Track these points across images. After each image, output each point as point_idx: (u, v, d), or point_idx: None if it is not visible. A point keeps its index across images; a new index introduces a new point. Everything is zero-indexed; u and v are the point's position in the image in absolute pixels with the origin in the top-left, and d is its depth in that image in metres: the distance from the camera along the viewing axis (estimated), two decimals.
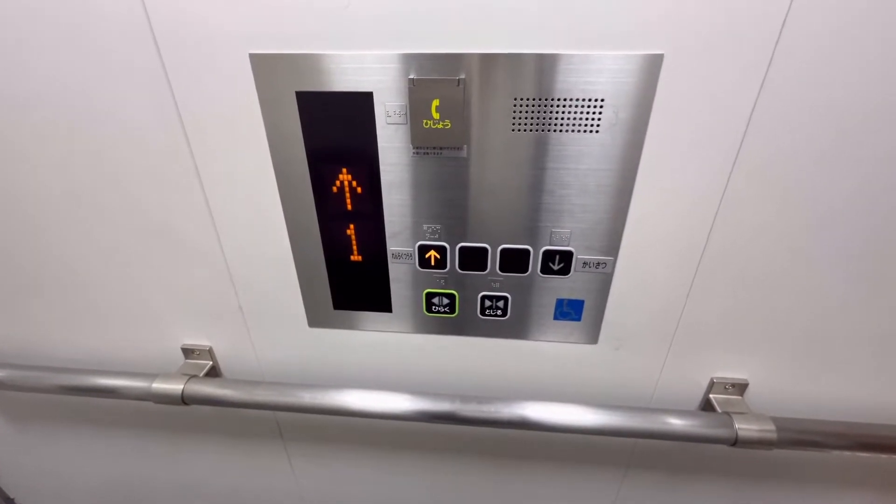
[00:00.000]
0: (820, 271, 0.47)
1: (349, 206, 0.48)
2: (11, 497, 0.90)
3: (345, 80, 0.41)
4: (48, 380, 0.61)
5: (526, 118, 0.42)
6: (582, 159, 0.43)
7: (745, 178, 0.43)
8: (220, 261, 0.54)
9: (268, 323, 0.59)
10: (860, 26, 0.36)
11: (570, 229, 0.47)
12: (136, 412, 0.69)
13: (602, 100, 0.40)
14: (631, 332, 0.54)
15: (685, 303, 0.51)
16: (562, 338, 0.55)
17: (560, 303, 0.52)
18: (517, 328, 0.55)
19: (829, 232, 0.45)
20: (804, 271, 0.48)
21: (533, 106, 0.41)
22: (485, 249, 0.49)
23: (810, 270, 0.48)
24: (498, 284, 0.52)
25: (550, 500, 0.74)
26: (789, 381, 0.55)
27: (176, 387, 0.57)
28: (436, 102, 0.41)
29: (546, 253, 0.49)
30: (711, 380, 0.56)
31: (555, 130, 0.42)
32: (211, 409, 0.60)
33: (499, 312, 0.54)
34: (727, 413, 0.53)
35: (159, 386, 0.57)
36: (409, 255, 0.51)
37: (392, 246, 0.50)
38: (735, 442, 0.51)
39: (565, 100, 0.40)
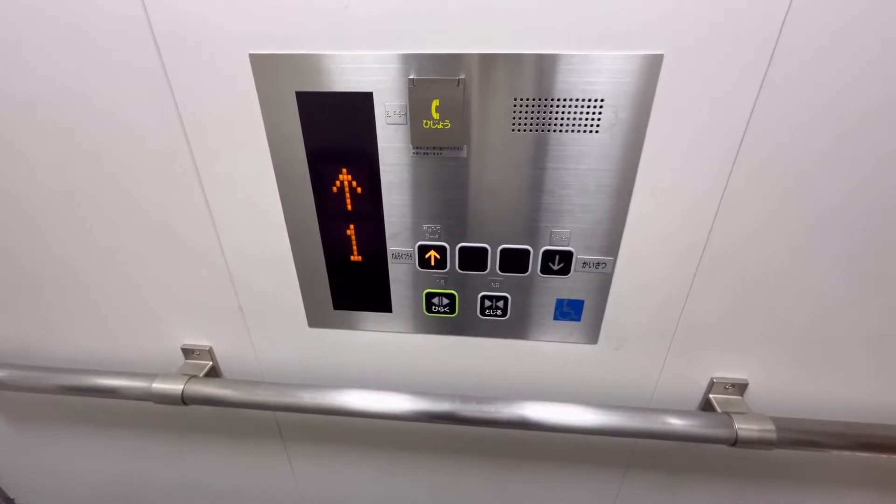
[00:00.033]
0: (820, 271, 0.47)
1: (349, 207, 0.48)
2: (11, 497, 0.90)
3: (345, 80, 0.41)
4: (48, 380, 0.61)
5: (526, 118, 0.42)
6: (582, 159, 0.43)
7: (744, 178, 0.43)
8: (220, 261, 0.54)
9: (268, 323, 0.59)
10: (860, 26, 0.36)
11: (569, 229, 0.47)
12: (136, 412, 0.69)
13: (602, 100, 0.40)
14: (631, 332, 0.54)
15: (685, 303, 0.51)
16: (562, 338, 0.55)
17: (560, 303, 0.52)
18: (517, 328, 0.55)
19: (829, 232, 0.45)
20: (804, 271, 0.48)
21: (533, 106, 0.41)
22: (485, 249, 0.49)
23: (810, 270, 0.48)
24: (498, 284, 0.52)
25: (550, 500, 0.74)
26: (789, 381, 0.55)
27: (176, 387, 0.57)
28: (436, 102, 0.41)
29: (546, 253, 0.49)
30: (711, 380, 0.56)
31: (555, 130, 0.42)
32: (211, 410, 0.60)
33: (499, 312, 0.54)
34: (727, 413, 0.53)
35: (159, 386, 0.57)
36: (409, 256, 0.51)
37: (392, 246, 0.50)
38: (735, 442, 0.51)
39: (565, 100, 0.40)
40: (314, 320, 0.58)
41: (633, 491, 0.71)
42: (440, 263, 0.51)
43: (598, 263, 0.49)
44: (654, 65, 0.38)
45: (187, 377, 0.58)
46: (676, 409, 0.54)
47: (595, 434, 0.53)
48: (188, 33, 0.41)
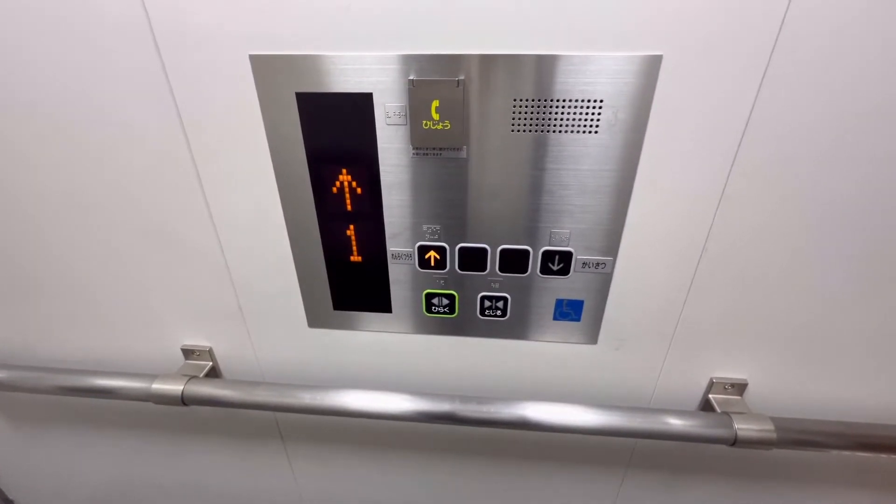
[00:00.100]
0: (819, 271, 0.48)
1: (349, 207, 0.48)
2: (11, 498, 0.90)
3: (345, 80, 0.42)
4: (48, 380, 0.61)
5: (525, 119, 0.42)
6: (581, 160, 0.43)
7: (744, 178, 0.43)
8: (220, 261, 0.54)
9: (268, 323, 0.59)
10: (859, 26, 0.36)
11: (569, 230, 0.47)
12: (136, 413, 0.69)
13: (601, 100, 0.40)
14: (630, 332, 0.54)
15: (684, 303, 0.51)
16: (561, 338, 0.55)
17: (559, 303, 0.52)
18: (517, 328, 0.55)
19: (829, 232, 0.45)
20: (804, 271, 0.48)
21: (532, 107, 0.41)
22: (484, 250, 0.49)
23: (810, 270, 0.48)
24: (497, 285, 0.52)
25: (550, 500, 0.74)
26: (788, 381, 0.55)
27: (176, 387, 0.57)
28: (435, 103, 0.41)
29: (545, 253, 0.49)
30: (711, 380, 0.56)
31: (554, 131, 0.42)
32: (211, 410, 0.60)
33: (498, 313, 0.54)
34: (726, 413, 0.53)
35: (159, 387, 0.57)
36: (409, 256, 0.51)
37: (392, 246, 0.50)
38: (734, 442, 0.51)
39: (564, 101, 0.40)
40: (314, 321, 0.58)
41: (633, 491, 0.71)
42: (440, 264, 0.51)
43: (598, 264, 0.49)
44: (653, 65, 0.39)
45: (187, 378, 0.58)
46: (676, 409, 0.54)
47: (595, 434, 0.53)
48: (188, 34, 0.41)
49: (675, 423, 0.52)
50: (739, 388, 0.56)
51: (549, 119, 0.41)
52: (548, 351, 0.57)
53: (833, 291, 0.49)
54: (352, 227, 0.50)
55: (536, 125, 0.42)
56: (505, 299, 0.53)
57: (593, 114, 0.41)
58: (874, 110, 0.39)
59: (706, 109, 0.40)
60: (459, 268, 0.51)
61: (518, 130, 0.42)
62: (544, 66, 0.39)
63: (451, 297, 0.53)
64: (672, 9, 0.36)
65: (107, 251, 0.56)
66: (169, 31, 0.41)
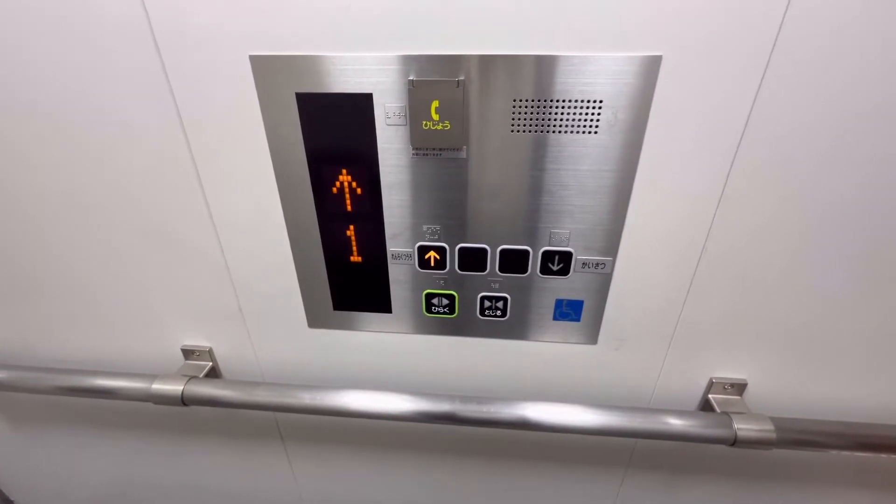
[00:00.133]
0: (819, 271, 0.48)
1: (349, 207, 0.48)
2: (12, 499, 0.90)
3: (345, 81, 0.42)
4: (48, 381, 0.61)
5: (525, 119, 0.42)
6: (581, 160, 0.43)
7: (743, 179, 0.43)
8: (220, 262, 0.54)
9: (268, 324, 0.59)
10: (858, 26, 0.36)
11: (569, 230, 0.47)
12: (136, 413, 0.69)
13: (601, 101, 0.40)
14: (630, 332, 0.54)
15: (684, 303, 0.51)
16: (561, 338, 0.55)
17: (559, 303, 0.52)
18: (517, 329, 0.55)
19: (828, 232, 0.45)
20: (803, 271, 0.48)
21: (532, 107, 0.41)
22: (484, 250, 0.49)
23: (809, 270, 0.48)
24: (497, 285, 0.52)
25: (550, 500, 0.74)
26: (788, 381, 0.55)
27: (176, 388, 0.57)
28: (435, 104, 0.41)
29: (545, 253, 0.49)
30: (710, 380, 0.56)
31: (554, 131, 0.42)
32: (211, 410, 0.60)
33: (498, 313, 0.54)
34: (726, 413, 0.53)
35: (159, 387, 0.57)
36: (409, 256, 0.51)
37: (392, 247, 0.50)
38: (734, 442, 0.51)
39: (564, 101, 0.41)
40: (314, 321, 0.58)
41: (632, 491, 0.71)
42: (440, 264, 0.51)
43: (598, 264, 0.49)
44: (652, 66, 0.39)
45: (187, 378, 0.58)
46: (676, 410, 0.54)
47: (594, 434, 0.53)
48: (188, 34, 0.41)
49: (675, 423, 0.52)
50: (739, 388, 0.56)
51: (549, 119, 0.41)
52: (547, 351, 0.57)
53: (832, 292, 0.49)
54: (352, 227, 0.50)
55: (536, 125, 0.42)
56: (505, 299, 0.53)
57: (593, 114, 0.41)
58: (874, 110, 0.39)
59: (706, 110, 0.40)
60: (459, 268, 0.51)
61: (518, 131, 0.42)
62: (544, 67, 0.39)
63: (450, 298, 0.53)
64: (671, 9, 0.37)
65: (107, 251, 0.56)
66: (169, 31, 0.41)
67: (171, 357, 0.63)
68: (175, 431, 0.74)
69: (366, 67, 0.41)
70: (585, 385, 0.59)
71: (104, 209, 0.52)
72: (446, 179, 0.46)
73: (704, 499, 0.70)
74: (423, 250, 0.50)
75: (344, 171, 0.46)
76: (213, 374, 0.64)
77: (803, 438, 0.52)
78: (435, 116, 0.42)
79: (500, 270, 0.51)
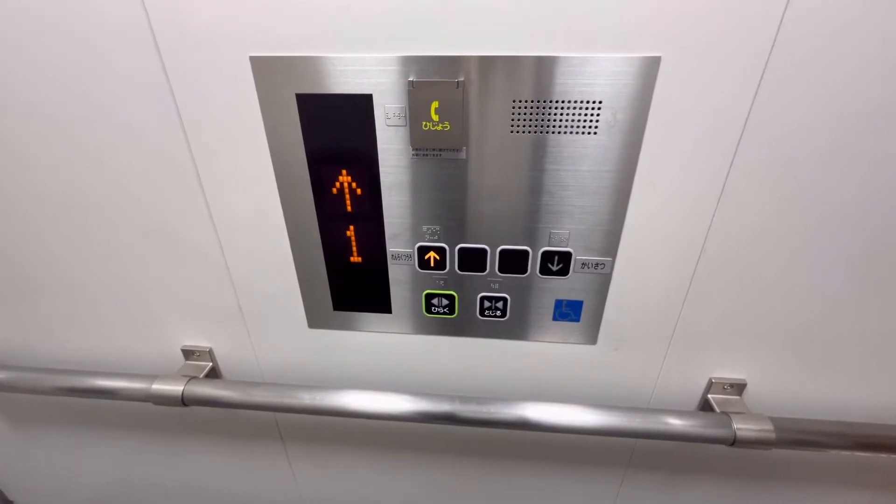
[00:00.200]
0: (818, 272, 0.48)
1: (349, 208, 0.48)
2: (11, 500, 0.90)
3: (344, 82, 0.42)
4: (48, 381, 0.61)
5: (524, 120, 0.42)
6: (580, 161, 0.43)
7: (742, 179, 0.43)
8: (220, 262, 0.54)
9: (268, 324, 0.59)
10: (858, 27, 0.36)
11: (568, 230, 0.47)
12: (137, 413, 0.69)
13: (600, 102, 0.40)
14: (630, 332, 0.54)
15: (683, 303, 0.51)
16: (561, 338, 0.55)
17: (559, 303, 0.52)
18: (516, 329, 0.55)
19: (828, 232, 0.45)
20: (802, 271, 0.48)
21: (531, 108, 0.41)
22: (484, 250, 0.50)
23: (808, 271, 0.48)
24: (497, 285, 0.52)
25: (550, 500, 0.74)
26: (787, 381, 0.55)
27: (176, 388, 0.57)
28: (435, 104, 0.41)
29: (545, 254, 0.49)
30: (710, 380, 0.56)
31: (553, 132, 0.42)
32: (211, 411, 0.60)
33: (498, 313, 0.54)
34: (725, 413, 0.53)
35: (159, 387, 0.57)
36: (409, 257, 0.51)
37: (392, 247, 0.50)
38: (734, 442, 0.51)
39: (563, 102, 0.41)
40: (314, 321, 0.58)
41: (632, 491, 0.71)
42: (440, 264, 0.51)
43: (597, 264, 0.49)
44: (651, 67, 0.39)
45: (187, 378, 0.58)
46: (675, 410, 0.54)
47: (594, 434, 0.53)
48: (188, 34, 0.41)
49: (675, 423, 0.52)
50: (738, 388, 0.56)
51: (549, 120, 0.42)
52: (547, 351, 0.57)
53: (832, 292, 0.49)
54: (352, 227, 0.50)
55: (536, 126, 0.42)
56: (504, 300, 0.53)
57: (592, 115, 0.41)
58: (873, 110, 0.39)
59: (705, 110, 0.40)
60: (459, 268, 0.51)
61: (517, 131, 0.42)
62: (543, 68, 0.39)
63: (450, 298, 0.53)
64: (670, 10, 0.37)
65: (107, 251, 0.56)
66: (169, 31, 0.41)
67: (171, 357, 0.63)
68: (175, 431, 0.74)
69: (366, 68, 0.41)
70: (585, 385, 0.59)
71: (104, 209, 0.52)
72: (446, 180, 0.46)
73: (704, 499, 0.70)
74: (422, 251, 0.50)
75: (344, 172, 0.46)
76: (213, 374, 0.64)
77: (803, 438, 0.52)
78: (435, 117, 0.42)
79: (500, 271, 0.51)
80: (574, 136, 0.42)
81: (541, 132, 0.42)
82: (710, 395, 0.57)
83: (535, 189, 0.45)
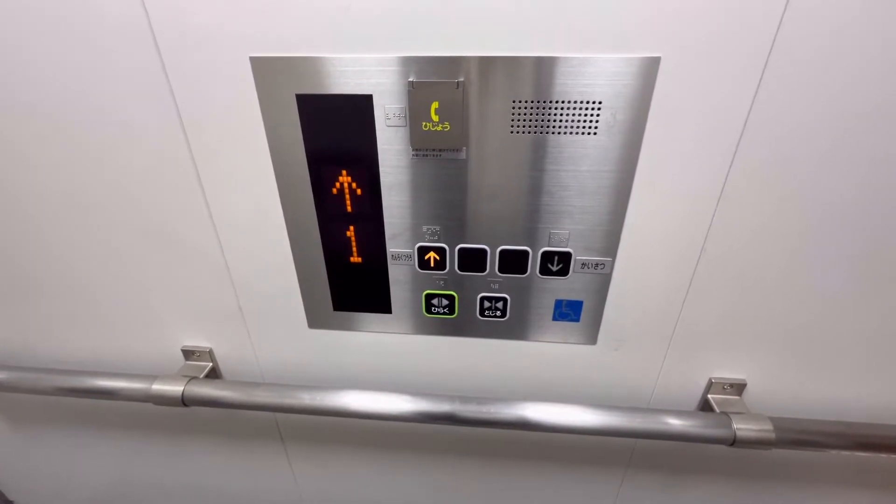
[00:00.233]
0: (818, 272, 0.48)
1: (349, 208, 0.48)
2: (11, 500, 0.90)
3: (345, 82, 0.42)
4: (48, 381, 0.61)
5: (524, 120, 0.42)
6: (580, 161, 0.43)
7: (742, 179, 0.43)
8: (221, 262, 0.54)
9: (268, 324, 0.59)
10: (858, 27, 0.36)
11: (568, 230, 0.47)
12: (137, 414, 0.69)
13: (600, 102, 0.40)
14: (629, 332, 0.54)
15: (683, 303, 0.51)
16: (561, 338, 0.55)
17: (559, 303, 0.52)
18: (516, 329, 0.55)
19: (827, 232, 0.45)
20: (802, 272, 0.48)
21: (531, 108, 0.41)
22: (484, 251, 0.50)
23: (808, 271, 0.48)
24: (497, 285, 0.52)
25: (550, 500, 0.74)
26: (787, 381, 0.56)
27: (176, 388, 0.57)
28: (435, 105, 0.41)
29: (545, 254, 0.49)
30: (710, 380, 0.56)
31: (553, 132, 0.42)
32: (211, 411, 0.60)
33: (498, 313, 0.54)
34: (725, 413, 0.53)
35: (159, 387, 0.57)
36: (409, 257, 0.51)
37: (392, 247, 0.50)
38: (733, 442, 0.51)
39: (563, 102, 0.41)
40: (314, 321, 0.58)
41: (632, 491, 0.71)
42: (439, 265, 0.51)
43: (597, 264, 0.49)
44: (651, 67, 0.39)
45: (187, 378, 0.58)
46: (675, 410, 0.54)
47: (594, 434, 0.53)
48: (188, 34, 0.41)
49: (675, 423, 0.52)
50: (738, 388, 0.56)
51: (548, 120, 0.42)
52: (547, 351, 0.57)
53: (832, 292, 0.49)
54: (352, 227, 0.50)
55: (535, 126, 0.42)
56: (504, 300, 0.53)
57: (592, 115, 0.41)
58: (873, 110, 0.39)
59: (705, 110, 0.40)
60: (459, 268, 0.51)
61: (517, 132, 0.42)
62: (543, 68, 0.39)
63: (450, 298, 0.53)
64: (670, 10, 0.37)
65: (107, 251, 0.56)
66: (169, 31, 0.41)
67: (171, 357, 0.63)
68: (175, 432, 0.74)
69: (366, 69, 0.41)
70: (585, 385, 0.59)
71: (104, 209, 0.52)
72: (446, 180, 0.46)
73: (704, 499, 0.70)
74: (422, 251, 0.50)
75: (344, 172, 0.46)
76: (214, 374, 0.64)
77: (802, 438, 0.52)
78: (435, 117, 0.42)
79: (500, 271, 0.51)
80: (574, 137, 0.42)
81: (541, 132, 0.42)
82: (709, 395, 0.57)
83: (535, 189, 0.45)
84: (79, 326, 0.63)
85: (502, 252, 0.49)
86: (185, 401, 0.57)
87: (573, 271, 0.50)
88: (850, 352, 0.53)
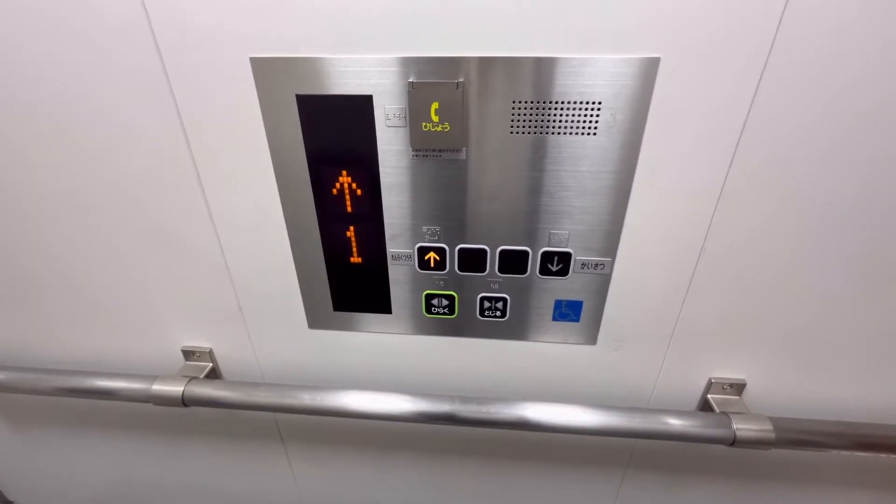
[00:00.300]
0: (818, 272, 0.48)
1: (349, 208, 0.48)
2: (11, 500, 0.90)
3: (345, 83, 0.42)
4: (48, 382, 0.61)
5: (524, 121, 0.42)
6: (580, 161, 0.43)
7: (742, 179, 0.43)
8: (221, 262, 0.54)
9: (268, 324, 0.59)
10: (857, 27, 0.36)
11: (568, 231, 0.47)
12: (137, 414, 0.69)
13: (599, 102, 0.40)
14: (629, 332, 0.54)
15: (683, 303, 0.51)
16: (561, 339, 0.55)
17: (559, 304, 0.52)
18: (516, 329, 0.55)
19: (827, 233, 0.45)
20: (802, 272, 0.48)
21: (531, 108, 0.41)
22: (484, 251, 0.50)
23: (808, 271, 0.48)
24: (497, 286, 0.52)
25: (550, 501, 0.74)
26: (787, 381, 0.56)
27: (176, 388, 0.57)
28: (435, 105, 0.41)
29: (545, 254, 0.49)
30: (709, 380, 0.56)
31: (553, 133, 0.42)
32: (211, 411, 0.60)
33: (498, 314, 0.54)
34: (725, 413, 0.53)
35: (159, 388, 0.57)
36: (409, 257, 0.51)
37: (392, 248, 0.50)
38: (733, 442, 0.51)
39: (563, 102, 0.41)
40: (314, 321, 0.58)
41: (632, 491, 0.71)
42: (439, 265, 0.51)
43: (597, 264, 0.49)
44: (651, 67, 0.39)
45: (187, 379, 0.58)
46: (675, 410, 0.54)
47: (594, 434, 0.53)
48: (188, 34, 0.41)
49: (675, 423, 0.52)
50: (738, 388, 0.56)
51: (548, 121, 0.42)
52: (547, 351, 0.57)
53: (832, 292, 0.49)
54: (352, 228, 0.50)
55: (535, 127, 0.42)
56: (504, 300, 0.53)
57: (592, 115, 0.41)
58: (873, 110, 0.39)
59: (704, 111, 0.40)
60: (459, 269, 0.51)
61: (517, 132, 0.42)
62: (543, 69, 0.39)
63: (450, 298, 0.53)
64: (670, 10, 0.37)
65: (107, 251, 0.56)
66: (169, 31, 0.41)
67: (171, 358, 0.63)
68: (175, 432, 0.74)
69: (366, 69, 0.41)
70: (585, 385, 0.59)
71: (104, 209, 0.52)
72: (446, 181, 0.46)
73: (704, 499, 0.70)
74: (422, 251, 0.50)
75: (344, 173, 0.46)
76: (214, 374, 0.64)
77: (802, 438, 0.52)
78: (435, 118, 0.42)
79: (500, 271, 0.51)
80: (574, 137, 0.42)
81: (540, 133, 0.42)
82: (709, 395, 0.57)
83: (535, 189, 0.45)
84: (79, 326, 0.63)
85: (502, 252, 0.49)
86: (185, 401, 0.57)
87: (573, 271, 0.50)
88: (849, 352, 0.53)
